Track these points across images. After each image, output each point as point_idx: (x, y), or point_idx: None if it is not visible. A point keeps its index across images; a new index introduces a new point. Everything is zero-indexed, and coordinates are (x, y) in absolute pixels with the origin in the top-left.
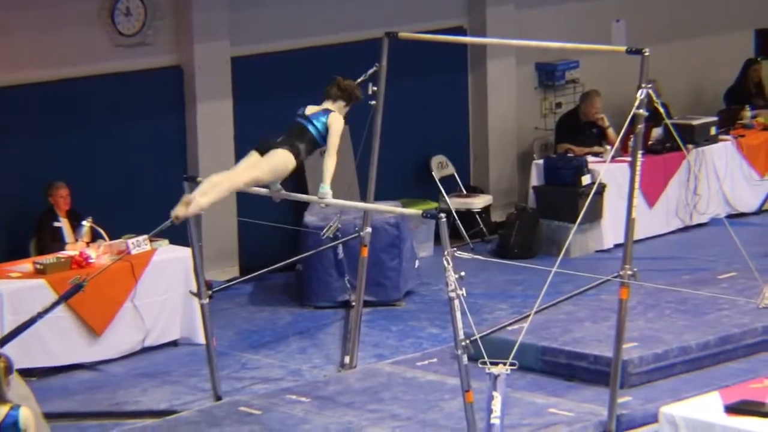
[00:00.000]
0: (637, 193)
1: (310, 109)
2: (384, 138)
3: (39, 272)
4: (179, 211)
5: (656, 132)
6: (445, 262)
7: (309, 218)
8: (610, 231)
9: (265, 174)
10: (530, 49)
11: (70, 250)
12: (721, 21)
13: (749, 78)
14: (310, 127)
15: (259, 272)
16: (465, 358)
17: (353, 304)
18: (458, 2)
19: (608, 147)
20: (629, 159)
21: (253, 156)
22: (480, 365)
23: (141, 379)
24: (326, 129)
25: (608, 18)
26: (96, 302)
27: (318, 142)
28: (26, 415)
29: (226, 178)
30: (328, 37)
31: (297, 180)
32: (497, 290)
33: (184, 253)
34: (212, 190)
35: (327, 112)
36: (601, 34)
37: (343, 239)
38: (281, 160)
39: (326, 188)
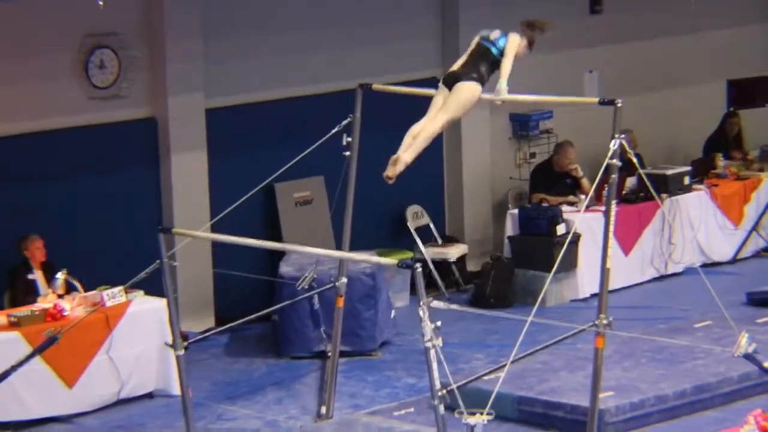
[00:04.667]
0: (611, 242)
1: (494, 34)
2: (359, 188)
3: (13, 325)
4: (390, 171)
5: (630, 182)
6: (420, 312)
7: (284, 268)
8: (585, 280)
9: (458, 112)
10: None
11: (43, 303)
12: (694, 72)
13: (727, 130)
14: (493, 50)
15: (235, 323)
16: (442, 408)
17: (329, 354)
18: (432, 53)
19: (582, 197)
20: (603, 208)
21: (440, 94)
22: (457, 415)
23: (117, 431)
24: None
25: (581, 69)
26: (69, 354)
27: (499, 62)
28: None
29: (422, 128)
30: (302, 88)
31: (272, 229)
32: (473, 340)
33: (160, 304)
34: (414, 143)
35: (506, 34)
36: (574, 84)
37: (319, 289)
38: (469, 94)
39: (504, 84)
